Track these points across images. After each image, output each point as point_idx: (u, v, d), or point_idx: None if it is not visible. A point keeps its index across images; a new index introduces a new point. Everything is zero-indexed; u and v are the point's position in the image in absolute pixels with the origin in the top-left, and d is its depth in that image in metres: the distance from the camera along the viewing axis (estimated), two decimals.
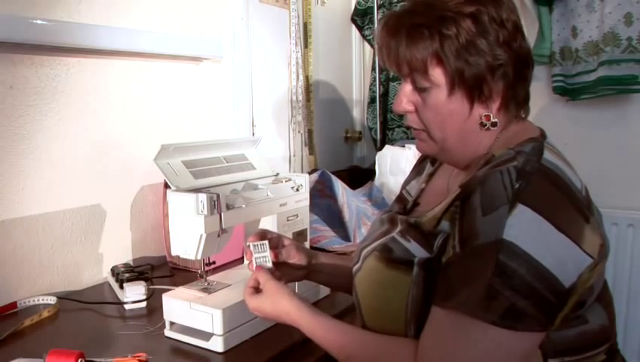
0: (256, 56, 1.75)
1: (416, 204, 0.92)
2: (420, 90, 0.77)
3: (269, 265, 0.89)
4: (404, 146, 1.79)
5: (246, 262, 1.15)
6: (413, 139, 2.16)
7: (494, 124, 0.77)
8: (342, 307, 1.10)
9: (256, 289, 0.86)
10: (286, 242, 0.96)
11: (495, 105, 0.77)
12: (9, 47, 1.11)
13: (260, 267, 0.87)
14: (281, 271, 0.92)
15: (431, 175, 0.95)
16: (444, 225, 0.74)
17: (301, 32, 1.95)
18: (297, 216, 1.13)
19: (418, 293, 0.74)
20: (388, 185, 1.80)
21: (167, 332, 0.98)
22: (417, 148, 0.85)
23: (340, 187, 1.63)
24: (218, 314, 0.90)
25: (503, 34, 0.74)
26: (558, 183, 0.69)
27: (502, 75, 0.74)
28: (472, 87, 0.74)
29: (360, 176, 2.08)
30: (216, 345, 0.91)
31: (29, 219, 1.17)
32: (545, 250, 0.65)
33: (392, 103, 2.21)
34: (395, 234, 0.80)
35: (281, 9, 1.86)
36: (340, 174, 1.76)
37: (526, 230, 0.65)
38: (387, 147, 1.85)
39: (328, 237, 1.50)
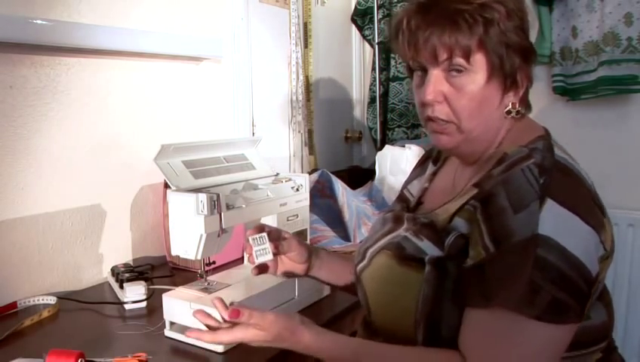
0: (256, 56, 1.75)
1: (419, 203, 0.92)
2: (454, 77, 0.75)
3: (270, 256, 0.88)
4: (404, 146, 1.79)
5: (246, 261, 1.16)
6: (413, 139, 2.17)
7: (518, 112, 0.79)
8: (342, 307, 1.10)
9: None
10: (286, 235, 0.95)
11: (519, 94, 0.78)
12: (9, 47, 1.10)
13: (243, 309, 0.77)
14: (281, 264, 0.92)
15: (434, 174, 0.95)
16: (459, 222, 0.74)
17: (301, 32, 1.95)
18: (297, 216, 1.13)
19: (429, 291, 0.73)
20: (388, 185, 1.79)
21: (167, 332, 0.98)
22: (438, 142, 0.81)
23: (339, 187, 1.63)
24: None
25: (524, 22, 0.76)
26: (575, 177, 0.72)
27: (530, 62, 0.77)
28: (508, 73, 0.75)
29: (360, 176, 2.08)
30: (216, 345, 0.91)
31: (29, 219, 1.17)
32: (575, 241, 0.66)
33: (392, 103, 2.22)
34: (407, 233, 0.80)
35: (281, 9, 1.86)
36: (340, 174, 1.76)
37: (557, 223, 0.67)
38: (387, 147, 1.85)
39: (328, 237, 1.50)
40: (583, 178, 0.72)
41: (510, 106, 0.78)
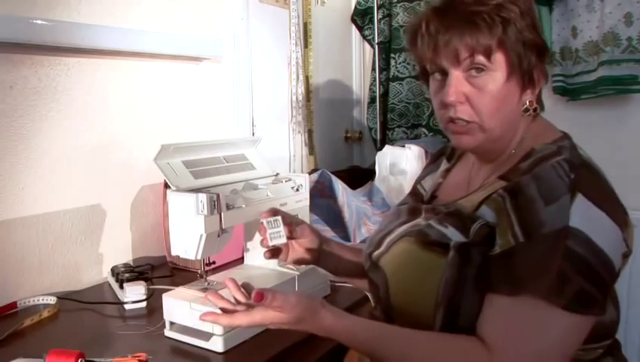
0: (256, 56, 1.75)
1: (433, 197, 0.94)
2: (474, 77, 0.77)
3: (283, 240, 0.88)
4: (404, 146, 1.79)
5: (246, 261, 1.16)
6: (413, 139, 2.17)
7: (535, 110, 0.80)
8: (342, 306, 1.10)
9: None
10: (299, 221, 0.96)
11: (536, 92, 0.81)
12: (9, 47, 1.11)
13: (262, 291, 0.74)
14: (292, 251, 0.93)
15: (447, 171, 0.97)
16: (485, 211, 0.76)
17: (301, 32, 1.95)
18: (297, 216, 1.12)
19: (452, 276, 0.74)
20: (388, 185, 1.80)
21: (167, 332, 0.98)
22: (460, 143, 0.82)
23: (339, 187, 1.63)
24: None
25: (536, 21, 0.78)
26: (601, 176, 0.75)
27: (544, 60, 0.79)
28: (525, 71, 0.77)
29: (360, 176, 2.07)
30: (216, 345, 0.91)
31: (29, 219, 1.17)
32: (603, 236, 0.69)
33: (392, 103, 2.22)
34: (430, 221, 0.81)
35: (281, 9, 1.86)
36: (340, 174, 1.76)
37: (587, 217, 0.69)
38: (387, 147, 1.85)
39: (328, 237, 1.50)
40: (606, 178, 0.75)
41: (528, 104, 0.80)
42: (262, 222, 0.88)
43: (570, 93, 1.90)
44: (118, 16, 1.32)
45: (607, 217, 0.70)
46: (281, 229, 0.88)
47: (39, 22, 1.12)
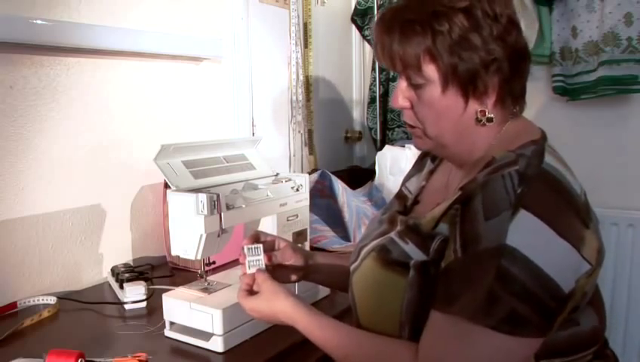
0: (256, 56, 1.75)
1: (416, 201, 0.92)
2: (414, 86, 0.77)
3: (262, 268, 0.88)
4: (404, 146, 1.79)
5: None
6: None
7: (490, 120, 0.77)
8: (342, 307, 1.10)
9: (250, 292, 0.86)
10: (282, 244, 0.96)
11: (491, 101, 0.76)
12: (9, 47, 1.10)
13: (260, 269, 0.87)
14: (277, 273, 0.91)
15: (431, 172, 0.95)
16: (442, 227, 0.74)
17: (301, 32, 1.95)
18: (297, 216, 1.12)
19: (413, 296, 0.74)
20: (388, 185, 1.79)
21: (167, 332, 0.98)
22: (414, 144, 0.85)
23: (339, 187, 1.63)
24: (218, 314, 0.90)
25: (498, 28, 0.73)
26: (558, 188, 0.70)
27: (496, 69, 0.73)
28: (466, 83, 0.74)
29: (360, 176, 2.07)
30: (216, 345, 0.91)
31: (29, 219, 1.17)
32: (546, 256, 0.65)
33: (392, 103, 2.21)
34: (392, 235, 0.80)
35: (281, 9, 1.86)
36: (339, 174, 1.76)
37: (528, 236, 0.65)
38: (387, 147, 1.85)
39: (328, 237, 1.50)
40: (569, 190, 0.70)
41: (478, 115, 0.76)
42: (242, 249, 0.89)
43: (570, 93, 1.90)
44: (118, 16, 1.32)
45: (555, 235, 0.65)
46: (261, 257, 0.88)
47: (39, 22, 1.12)
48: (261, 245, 0.89)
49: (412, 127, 0.81)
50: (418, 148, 0.85)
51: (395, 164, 1.78)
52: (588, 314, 0.76)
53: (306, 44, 1.99)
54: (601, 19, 1.76)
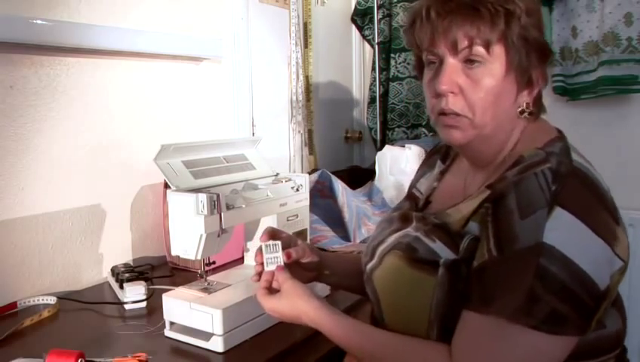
0: (256, 56, 1.75)
1: (428, 202, 0.90)
2: (472, 68, 0.73)
3: (281, 265, 0.85)
4: (404, 146, 1.79)
5: (246, 261, 1.16)
6: (413, 139, 2.17)
7: (532, 113, 0.77)
8: (342, 307, 1.10)
9: (269, 290, 0.84)
10: (298, 242, 0.93)
11: (533, 94, 0.77)
12: (9, 47, 1.11)
13: (281, 267, 0.84)
14: (292, 271, 0.88)
15: (442, 173, 0.93)
16: (473, 226, 0.73)
17: (301, 32, 1.95)
18: (297, 216, 1.12)
19: (443, 295, 0.72)
20: (388, 185, 1.79)
21: (167, 332, 0.98)
22: (449, 137, 0.77)
23: (339, 187, 1.63)
24: (218, 314, 0.90)
25: (541, 22, 0.75)
26: (590, 185, 0.70)
27: (542, 59, 0.75)
28: (524, 70, 0.74)
29: (360, 176, 2.07)
30: (216, 345, 0.91)
31: (29, 219, 1.17)
32: (583, 253, 0.65)
33: (392, 103, 2.22)
34: (418, 233, 0.78)
35: (281, 9, 1.86)
36: (339, 174, 1.76)
37: (565, 233, 0.65)
38: (387, 147, 1.85)
39: (328, 237, 1.50)
40: (599, 185, 0.70)
41: (524, 106, 0.76)
42: (260, 247, 0.85)
43: (570, 93, 1.90)
44: (117, 16, 1.32)
45: (591, 232, 0.65)
46: (279, 255, 0.85)
47: (39, 22, 1.12)
48: (279, 242, 0.86)
49: (456, 115, 0.75)
50: (454, 141, 0.78)
51: (395, 164, 1.78)
52: (613, 317, 0.75)
53: (306, 44, 1.99)
54: (601, 19, 1.76)
